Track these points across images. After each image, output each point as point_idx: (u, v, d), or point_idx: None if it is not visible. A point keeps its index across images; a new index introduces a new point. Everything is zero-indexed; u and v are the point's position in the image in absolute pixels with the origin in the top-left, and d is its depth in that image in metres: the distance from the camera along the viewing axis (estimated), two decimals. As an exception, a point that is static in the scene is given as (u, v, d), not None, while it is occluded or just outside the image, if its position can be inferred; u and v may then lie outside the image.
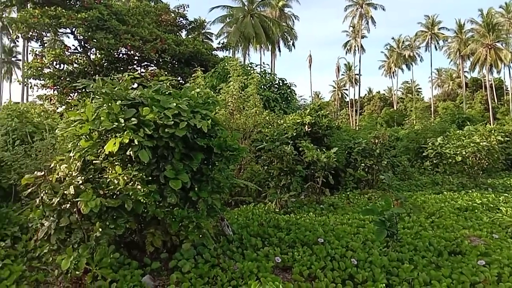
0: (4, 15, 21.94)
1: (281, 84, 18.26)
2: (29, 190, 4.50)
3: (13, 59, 69.52)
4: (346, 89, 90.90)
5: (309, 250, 5.42)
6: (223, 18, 51.06)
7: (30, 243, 5.05)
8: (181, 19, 25.93)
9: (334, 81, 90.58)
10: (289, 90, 18.05)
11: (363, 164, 11.08)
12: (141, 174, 4.31)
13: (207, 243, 5.15)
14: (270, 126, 11.14)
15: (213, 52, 24.96)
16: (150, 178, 4.46)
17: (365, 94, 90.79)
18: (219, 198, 5.28)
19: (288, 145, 8.91)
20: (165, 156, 4.53)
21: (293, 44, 59.31)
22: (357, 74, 74.55)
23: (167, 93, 5.04)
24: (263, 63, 21.80)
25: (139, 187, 4.27)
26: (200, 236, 4.94)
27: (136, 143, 4.09)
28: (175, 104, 4.55)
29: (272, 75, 19.06)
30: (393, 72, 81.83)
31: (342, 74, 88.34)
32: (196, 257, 4.91)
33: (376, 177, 11.26)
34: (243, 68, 14.44)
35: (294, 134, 10.63)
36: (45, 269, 4.65)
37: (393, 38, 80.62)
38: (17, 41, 45.76)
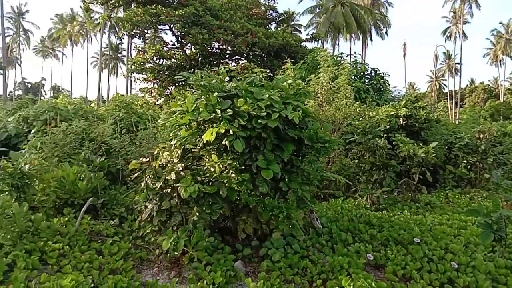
0: (112, 15, 24.10)
1: (373, 74, 17.52)
2: (136, 175, 4.91)
3: (119, 55, 76.45)
4: (445, 80, 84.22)
5: (403, 250, 5.15)
6: (312, 9, 50.50)
7: (135, 223, 5.51)
8: (271, 11, 26.20)
9: (431, 71, 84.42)
10: (381, 80, 17.24)
11: (465, 161, 10.18)
12: (235, 163, 4.46)
13: (296, 234, 5.16)
14: (361, 118, 10.77)
15: (301, 44, 24.82)
16: (243, 167, 4.60)
17: (467, 85, 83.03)
18: (308, 190, 5.25)
19: (381, 139, 8.52)
20: (257, 146, 4.63)
21: (386, 32, 56.56)
22: (458, 63, 68.82)
23: (260, 85, 5.12)
24: (354, 52, 21.11)
25: (233, 175, 4.43)
26: (290, 226, 4.97)
27: (231, 133, 4.23)
28: (267, 95, 4.60)
29: (364, 65, 18.36)
30: (500, 61, 73.70)
31: (441, 63, 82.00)
32: (286, 247, 4.95)
33: (480, 175, 10.27)
34: (333, 58, 14.13)
35: (387, 127, 10.12)
36: (148, 248, 5.06)
37: (501, 23, 72.71)
38: (123, 38, 50.22)
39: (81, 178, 6.15)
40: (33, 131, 9.75)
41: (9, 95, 65.33)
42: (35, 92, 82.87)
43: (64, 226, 5.21)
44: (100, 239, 5.24)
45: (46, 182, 6.02)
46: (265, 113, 4.38)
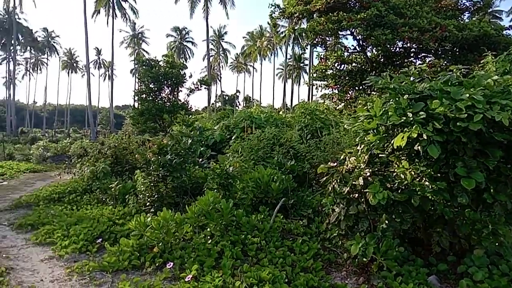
0: (296, 28, 25.56)
1: None
2: (324, 178, 5.08)
3: (301, 64, 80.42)
4: None
5: None
6: (518, -10, 42.86)
7: (322, 225, 5.70)
8: (463, 1, 23.34)
9: None
10: None
11: None
12: (429, 170, 4.16)
13: (504, 253, 4.47)
14: None
15: (503, 33, 21.29)
16: (438, 174, 4.25)
17: None
18: (521, 204, 4.47)
19: None
20: (455, 152, 4.19)
21: None
22: None
23: (457, 83, 4.64)
24: None
25: (426, 183, 4.14)
26: (496, 244, 4.33)
27: (425, 138, 3.95)
28: (467, 95, 4.13)
29: None
30: None
31: None
32: (490, 267, 4.34)
33: None
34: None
35: None
36: (335, 251, 5.16)
37: None
38: (306, 48, 52.64)
39: (274, 179, 6.72)
40: (233, 137, 11.17)
41: (211, 106, 76.31)
42: (231, 103, 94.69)
43: (260, 223, 5.78)
44: (291, 237, 5.63)
45: (245, 182, 6.81)
46: (465, 114, 3.92)
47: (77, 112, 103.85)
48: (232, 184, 6.76)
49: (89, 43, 50.39)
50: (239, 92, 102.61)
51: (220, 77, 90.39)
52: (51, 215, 7.55)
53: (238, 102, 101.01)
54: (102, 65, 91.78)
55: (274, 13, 23.55)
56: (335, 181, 4.86)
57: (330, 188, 4.96)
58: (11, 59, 62.53)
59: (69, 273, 4.87)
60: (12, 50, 61.12)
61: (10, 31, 59.85)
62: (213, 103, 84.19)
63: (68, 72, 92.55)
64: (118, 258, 5.00)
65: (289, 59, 72.40)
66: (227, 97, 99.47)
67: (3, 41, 64.91)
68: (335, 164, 5.01)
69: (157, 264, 4.91)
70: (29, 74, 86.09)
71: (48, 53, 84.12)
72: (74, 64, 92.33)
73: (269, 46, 78.88)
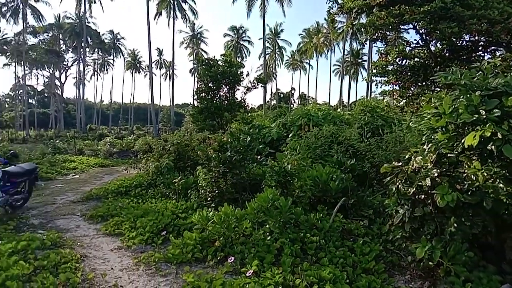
0: (354, 22, 24.96)
1: None
2: (388, 178, 4.91)
3: (359, 60, 78.31)
4: None
5: None
6: None
7: (384, 226, 5.53)
8: (542, -13, 21.41)
9: None
10: None
11: None
12: (503, 172, 3.89)
13: None
14: None
15: None
16: (514, 176, 3.96)
17: None
18: None
19: None
20: (534, 152, 3.89)
21: None
22: None
23: (537, 78, 4.29)
24: None
25: (501, 185, 3.87)
26: None
27: (499, 137, 3.71)
28: (549, 91, 3.82)
29: None
30: None
31: None
32: None
33: None
34: None
35: None
36: (398, 253, 5.00)
37: None
38: (365, 43, 51.15)
39: (333, 178, 6.63)
40: (290, 135, 11.18)
41: (266, 104, 76.67)
42: (286, 100, 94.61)
43: (319, 221, 5.75)
44: (351, 238, 5.54)
45: (303, 181, 6.79)
46: (547, 112, 3.64)
47: (140, 110, 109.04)
48: (290, 182, 6.77)
49: (151, 44, 52.68)
50: (294, 90, 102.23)
51: (276, 75, 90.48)
52: (119, 207, 8.04)
53: (293, 99, 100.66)
54: (163, 65, 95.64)
55: (332, 8, 23.17)
56: (400, 181, 4.69)
57: (393, 189, 4.79)
58: (81, 61, 66.99)
59: (137, 263, 5.17)
60: (82, 52, 65.45)
61: (80, 35, 64.09)
62: (268, 101, 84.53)
63: (132, 72, 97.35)
64: (182, 251, 5.22)
65: (346, 55, 70.85)
66: (282, 95, 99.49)
67: (74, 44, 69.73)
68: (400, 163, 4.83)
69: (218, 258, 5.06)
70: (97, 75, 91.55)
71: (114, 54, 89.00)
72: (138, 65, 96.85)
73: (325, 42, 77.62)
